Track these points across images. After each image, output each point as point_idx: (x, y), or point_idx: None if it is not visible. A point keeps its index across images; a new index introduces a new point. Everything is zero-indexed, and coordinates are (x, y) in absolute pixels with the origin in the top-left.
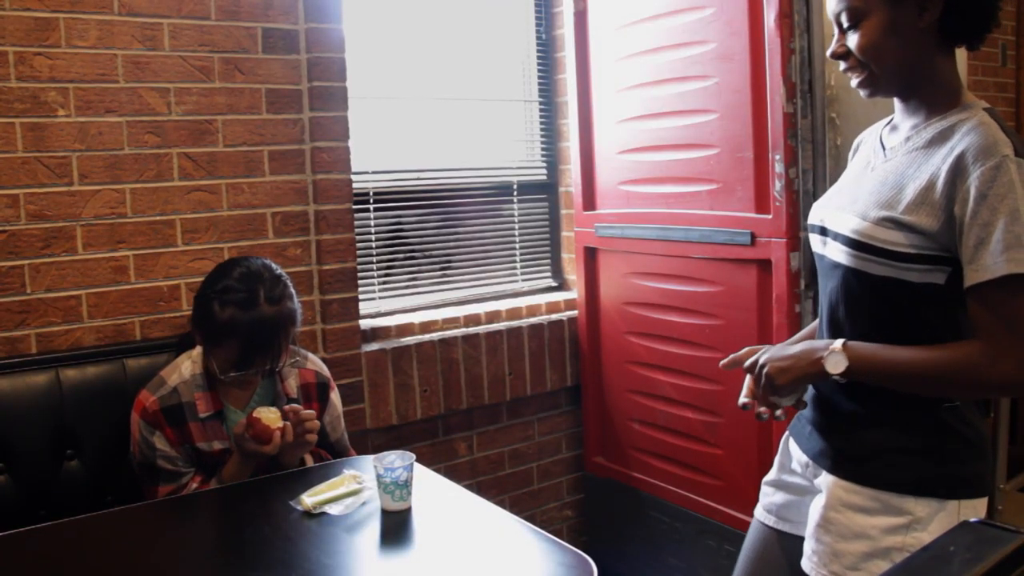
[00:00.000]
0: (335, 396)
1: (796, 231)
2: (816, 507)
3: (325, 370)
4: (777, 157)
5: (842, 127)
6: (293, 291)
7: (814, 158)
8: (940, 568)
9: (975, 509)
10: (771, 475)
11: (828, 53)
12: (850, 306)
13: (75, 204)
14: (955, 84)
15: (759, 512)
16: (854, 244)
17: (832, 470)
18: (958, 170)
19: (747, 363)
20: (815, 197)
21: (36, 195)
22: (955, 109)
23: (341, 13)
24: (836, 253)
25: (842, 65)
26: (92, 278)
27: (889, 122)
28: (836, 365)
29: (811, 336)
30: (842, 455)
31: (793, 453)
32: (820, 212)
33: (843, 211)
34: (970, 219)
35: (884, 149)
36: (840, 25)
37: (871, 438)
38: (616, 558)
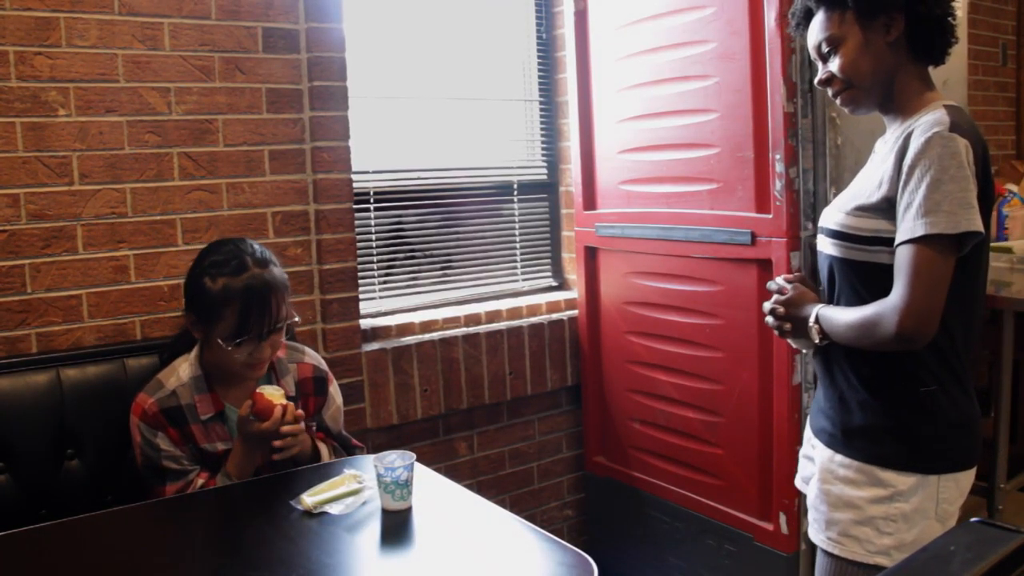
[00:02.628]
0: (334, 389)
1: (796, 231)
2: (814, 479)
3: (323, 364)
4: (777, 157)
5: (842, 126)
6: (277, 261)
7: (814, 158)
8: (940, 568)
9: (957, 482)
10: (804, 448)
11: (815, 82)
12: (839, 291)
13: (75, 204)
14: (925, 93)
15: (798, 482)
16: (835, 234)
17: (827, 444)
18: (903, 151)
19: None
20: (815, 196)
21: (36, 195)
22: (923, 111)
23: (341, 13)
24: (825, 245)
25: (830, 91)
26: (92, 278)
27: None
28: (813, 333)
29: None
30: (836, 431)
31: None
32: (823, 216)
33: (832, 209)
34: (902, 188)
35: (875, 155)
36: (821, 56)
37: (859, 418)
38: (616, 557)
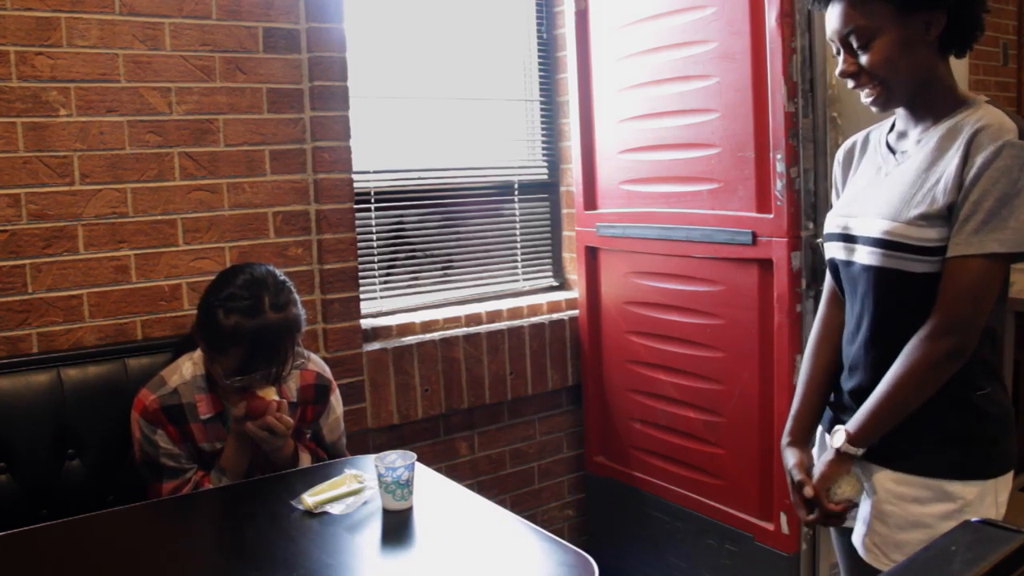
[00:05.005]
0: (335, 399)
1: (797, 231)
2: (865, 500)
3: (327, 371)
4: (778, 156)
5: (843, 126)
6: (297, 297)
7: (815, 157)
8: (941, 568)
9: (1007, 481)
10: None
11: (837, 72)
12: (888, 306)
13: (76, 204)
14: (955, 86)
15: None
16: (887, 244)
17: (877, 461)
18: (967, 155)
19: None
20: (816, 196)
21: (37, 195)
22: (961, 108)
23: (342, 12)
24: (866, 256)
25: (850, 83)
26: (93, 278)
27: (892, 128)
28: (838, 440)
29: (801, 419)
30: (887, 448)
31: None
32: (840, 220)
33: (869, 216)
34: (963, 196)
35: (895, 154)
36: (848, 45)
37: (913, 429)
38: (617, 557)
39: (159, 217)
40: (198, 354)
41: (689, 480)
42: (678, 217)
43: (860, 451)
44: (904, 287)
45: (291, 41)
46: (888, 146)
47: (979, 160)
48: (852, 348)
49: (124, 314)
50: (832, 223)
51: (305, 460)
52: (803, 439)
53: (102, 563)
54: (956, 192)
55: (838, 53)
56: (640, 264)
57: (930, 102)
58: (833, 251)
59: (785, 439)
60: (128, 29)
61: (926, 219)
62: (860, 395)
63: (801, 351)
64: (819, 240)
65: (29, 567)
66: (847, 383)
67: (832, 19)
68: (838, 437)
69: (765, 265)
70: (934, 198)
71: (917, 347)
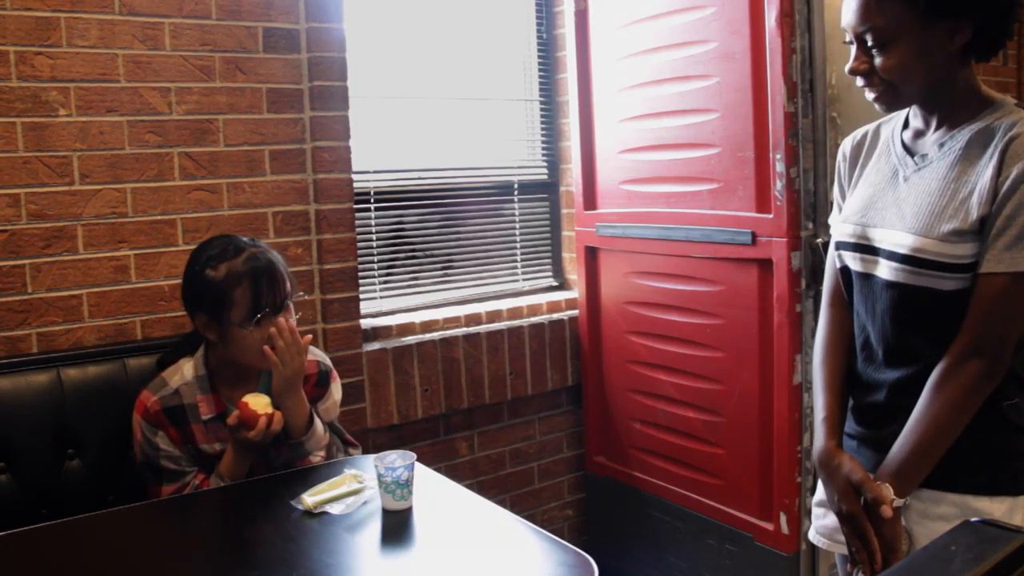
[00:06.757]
0: (335, 386)
1: (797, 231)
2: None
3: (327, 360)
4: (778, 156)
5: (843, 126)
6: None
7: (815, 157)
8: (941, 568)
9: None
10: (819, 495)
11: (847, 69)
12: (911, 324)
13: (76, 204)
14: (978, 87)
15: (812, 535)
16: (915, 261)
17: None
18: (1001, 166)
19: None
20: (816, 196)
21: (37, 195)
22: (987, 110)
23: (342, 12)
24: (889, 272)
25: (859, 81)
26: (93, 278)
27: (905, 126)
28: (897, 501)
29: (835, 420)
30: None
31: None
32: (856, 228)
33: (893, 228)
34: (996, 209)
35: (913, 156)
36: (862, 42)
37: None
38: (617, 557)
39: (159, 217)
40: (199, 355)
41: (689, 480)
42: (678, 217)
43: (905, 500)
44: (932, 305)
45: (291, 41)
46: (904, 146)
47: (1014, 171)
48: (868, 366)
49: (124, 314)
50: (844, 230)
51: (319, 428)
52: (842, 442)
53: (102, 563)
54: (990, 205)
55: (850, 43)
56: (640, 264)
57: (950, 104)
58: (847, 260)
59: (829, 441)
60: (128, 29)
61: (959, 235)
62: (875, 412)
63: (801, 351)
64: (819, 241)
65: (29, 567)
66: (859, 399)
67: (848, 11)
68: (883, 494)
69: (765, 265)
70: (967, 212)
71: (946, 374)
